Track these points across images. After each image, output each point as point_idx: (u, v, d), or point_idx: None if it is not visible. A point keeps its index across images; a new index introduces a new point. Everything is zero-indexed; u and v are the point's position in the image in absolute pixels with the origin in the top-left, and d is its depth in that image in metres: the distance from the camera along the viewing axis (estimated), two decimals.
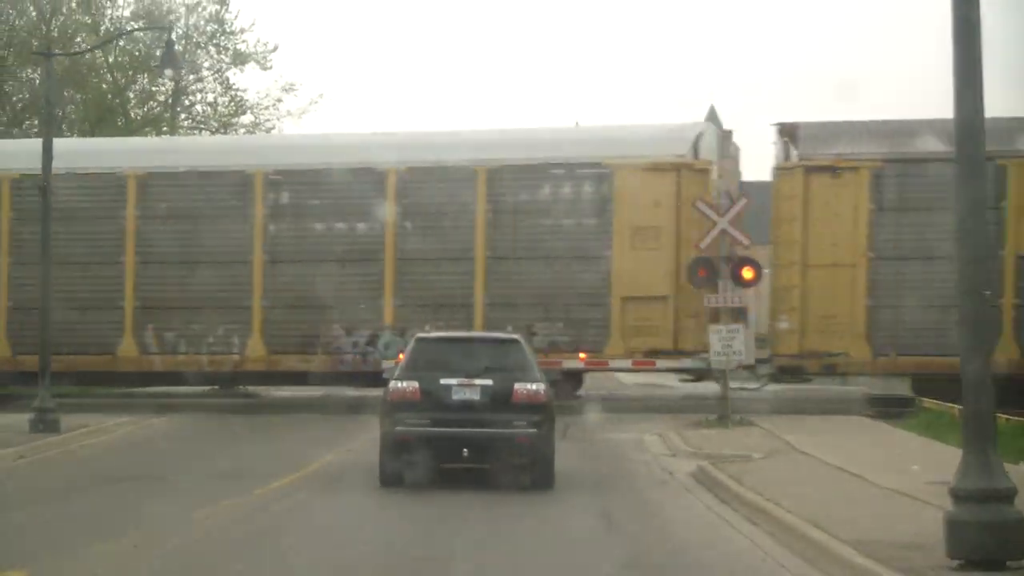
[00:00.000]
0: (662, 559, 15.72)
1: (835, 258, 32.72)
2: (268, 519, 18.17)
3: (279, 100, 55.83)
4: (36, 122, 51.07)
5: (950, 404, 28.51)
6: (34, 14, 53.61)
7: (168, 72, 35.15)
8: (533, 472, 20.96)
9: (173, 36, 33.72)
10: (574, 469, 22.87)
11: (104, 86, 55.57)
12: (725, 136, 36.49)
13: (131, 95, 57.58)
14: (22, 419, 28.02)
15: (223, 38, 56.13)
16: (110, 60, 55.80)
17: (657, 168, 33.25)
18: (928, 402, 31.27)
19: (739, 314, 31.26)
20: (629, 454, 26.30)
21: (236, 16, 56.06)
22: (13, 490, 21.64)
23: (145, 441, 28.89)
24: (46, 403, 28.07)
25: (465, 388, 20.75)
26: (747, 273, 30.28)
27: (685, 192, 32.79)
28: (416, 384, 20.80)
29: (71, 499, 20.17)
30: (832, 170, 32.81)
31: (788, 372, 34.06)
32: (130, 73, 56.57)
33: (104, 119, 51.99)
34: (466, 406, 20.66)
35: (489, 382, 20.79)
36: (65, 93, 54.73)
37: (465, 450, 20.78)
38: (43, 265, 29.32)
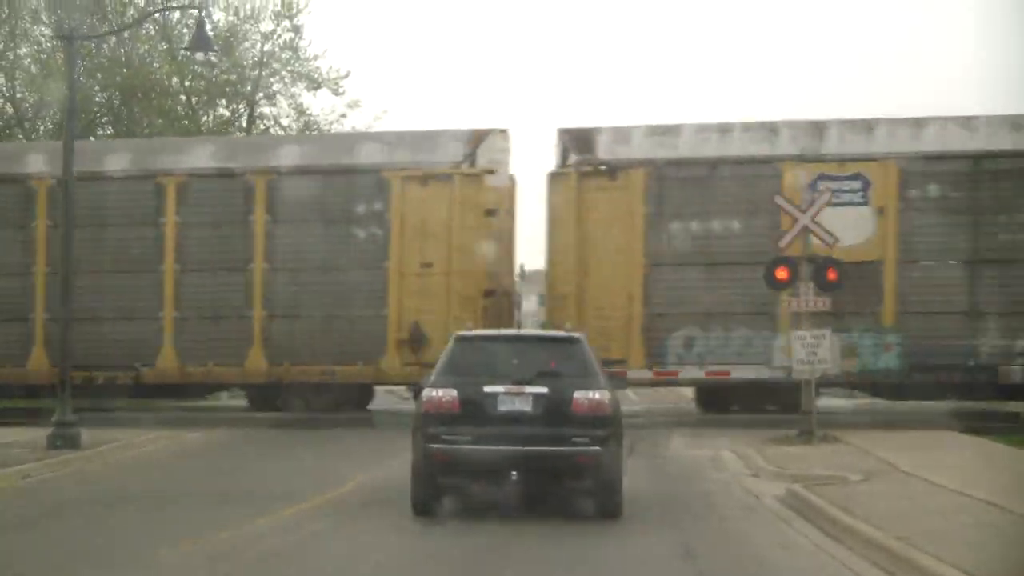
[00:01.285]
0: None
1: None
2: (254, 563, 12.66)
3: (343, 116, 51.17)
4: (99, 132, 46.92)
5: None
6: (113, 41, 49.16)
7: (200, 56, 29.77)
8: (597, 498, 15.68)
9: (207, 27, 28.15)
10: (645, 492, 17.53)
11: (179, 108, 51.21)
12: None
13: (207, 118, 53.18)
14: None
15: (297, 64, 51.88)
16: (186, 84, 51.65)
17: None
18: None
19: None
20: (706, 473, 20.84)
21: (310, 43, 51.88)
22: None
23: (166, 459, 23.47)
24: (66, 417, 23.17)
25: (514, 397, 15.34)
26: (831, 275, 24.67)
27: None
28: (454, 392, 15.38)
29: (34, 529, 14.99)
30: None
31: None
32: (205, 98, 52.37)
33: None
34: (515, 419, 15.25)
35: (543, 390, 15.37)
36: (144, 120, 50.66)
37: (514, 472, 15.22)
38: (64, 272, 24.19)
